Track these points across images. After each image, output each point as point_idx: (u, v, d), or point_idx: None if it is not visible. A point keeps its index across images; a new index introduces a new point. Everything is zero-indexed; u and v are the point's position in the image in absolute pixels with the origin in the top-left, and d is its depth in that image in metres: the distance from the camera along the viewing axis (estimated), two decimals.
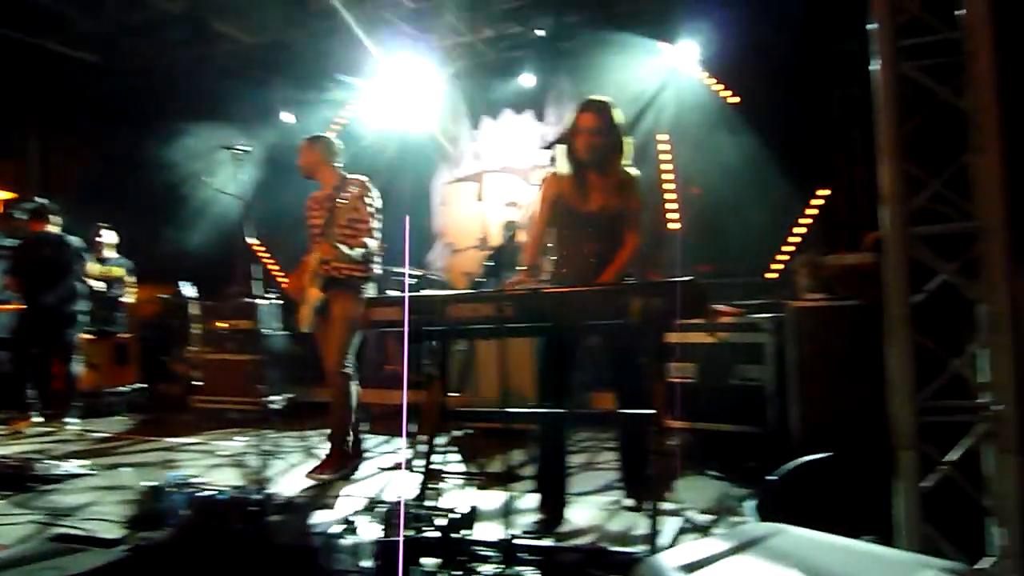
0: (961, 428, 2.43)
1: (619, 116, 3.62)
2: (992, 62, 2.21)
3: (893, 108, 2.36)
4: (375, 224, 4.46)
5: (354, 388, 4.46)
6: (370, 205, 4.45)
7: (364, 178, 4.51)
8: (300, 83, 8.76)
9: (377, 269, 4.55)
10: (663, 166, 7.92)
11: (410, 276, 7.32)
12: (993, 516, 2.36)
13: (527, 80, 8.58)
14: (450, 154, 9.45)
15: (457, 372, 4.02)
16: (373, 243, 4.39)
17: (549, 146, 3.44)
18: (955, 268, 2.40)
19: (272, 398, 6.76)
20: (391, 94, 8.72)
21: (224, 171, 5.12)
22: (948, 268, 2.41)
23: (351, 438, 4.51)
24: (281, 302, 7.35)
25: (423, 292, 3.66)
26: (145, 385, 7.84)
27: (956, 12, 2.41)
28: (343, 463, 4.47)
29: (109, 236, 7.75)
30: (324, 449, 4.59)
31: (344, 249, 4.25)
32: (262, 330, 6.85)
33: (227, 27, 7.67)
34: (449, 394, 3.80)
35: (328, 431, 4.53)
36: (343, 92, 9.05)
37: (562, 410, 3.50)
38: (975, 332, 2.46)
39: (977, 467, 2.43)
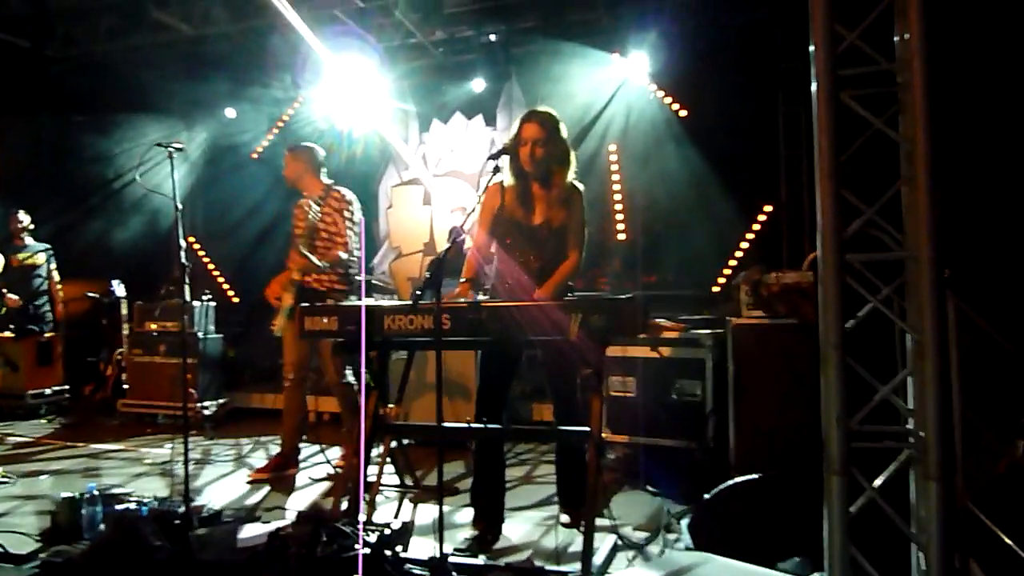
0: (891, 453, 2.49)
1: (563, 129, 3.64)
2: (924, 94, 2.27)
3: (830, 134, 2.41)
4: (352, 238, 4.54)
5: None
6: (348, 219, 4.55)
7: (346, 191, 4.62)
8: (243, 78, 8.59)
9: (356, 280, 4.60)
10: (612, 176, 7.98)
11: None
12: (916, 541, 2.42)
13: (478, 84, 8.56)
14: (398, 157, 9.38)
15: (396, 383, 3.97)
16: (346, 256, 4.48)
17: (494, 156, 3.43)
18: (885, 295, 2.46)
19: (205, 403, 6.62)
20: (338, 93, 8.62)
21: (158, 168, 4.99)
22: (879, 295, 2.46)
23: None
24: (214, 304, 7.21)
25: (361, 301, 3.62)
26: (69, 387, 7.60)
27: (895, 40, 2.47)
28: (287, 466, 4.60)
29: (26, 219, 7.52)
30: (257, 457, 4.54)
31: (312, 259, 4.34)
32: (196, 332, 6.70)
33: (167, 17, 7.47)
34: (387, 406, 3.78)
35: (278, 435, 4.64)
36: (288, 89, 8.92)
37: (499, 426, 3.49)
38: (906, 358, 2.53)
39: (905, 492, 2.49)
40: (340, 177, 5.52)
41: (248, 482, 4.60)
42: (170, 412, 6.67)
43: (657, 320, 5.03)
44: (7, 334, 7.28)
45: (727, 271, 7.20)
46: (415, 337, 3.27)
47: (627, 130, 7.76)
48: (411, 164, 9.32)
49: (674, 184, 7.25)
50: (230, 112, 9.15)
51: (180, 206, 4.12)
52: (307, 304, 3.54)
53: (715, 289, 7.14)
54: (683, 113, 7.51)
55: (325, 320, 3.39)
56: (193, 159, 9.09)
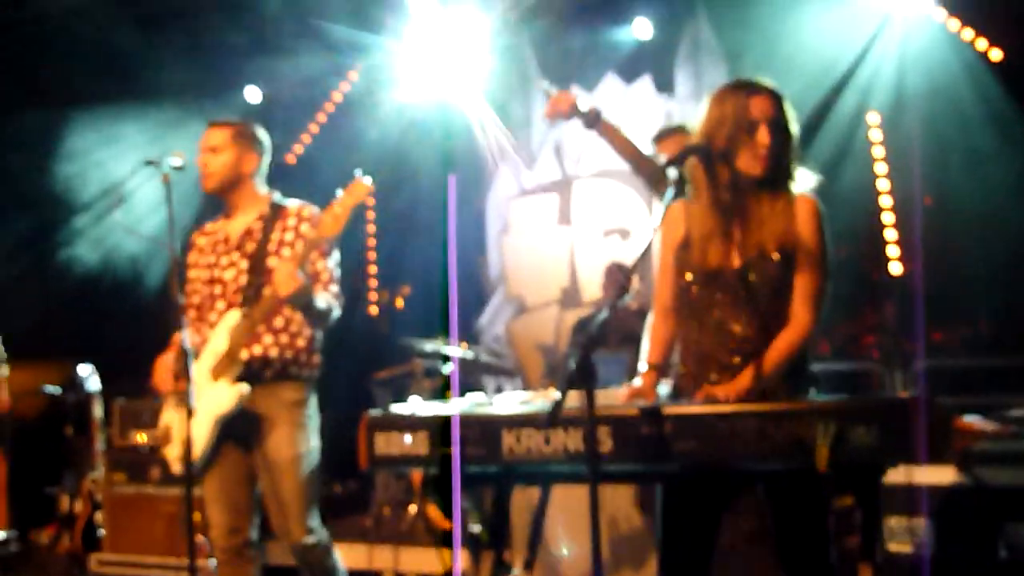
0: None
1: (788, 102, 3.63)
2: None
3: None
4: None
5: (339, 562, 4.52)
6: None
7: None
8: (274, 40, 8.97)
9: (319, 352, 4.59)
10: (875, 168, 7.84)
11: (444, 357, 7.36)
12: None
13: (641, 28, 8.61)
14: (515, 150, 9.52)
15: (525, 535, 3.99)
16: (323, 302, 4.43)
17: (678, 160, 3.42)
18: None
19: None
20: (418, 54, 8.89)
21: (145, 189, 5.23)
22: None
23: None
24: None
25: (462, 406, 3.66)
26: (18, 534, 7.97)
27: None
28: None
29: None
30: None
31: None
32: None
33: None
34: (512, 574, 3.79)
35: None
36: (341, 52, 9.25)
37: None
38: None
39: None
40: (419, 184, 5.57)
41: None
42: (167, 573, 6.88)
43: (963, 418, 4.86)
44: None
45: None
46: (554, 465, 3.25)
47: (899, 91, 7.62)
48: (536, 161, 9.44)
49: (985, 178, 7.05)
50: (252, 93, 9.54)
51: (174, 250, 4.31)
52: (377, 414, 3.59)
53: None
54: (996, 56, 7.32)
55: (409, 439, 3.43)
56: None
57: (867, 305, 7.81)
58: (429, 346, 7.27)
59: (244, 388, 4.25)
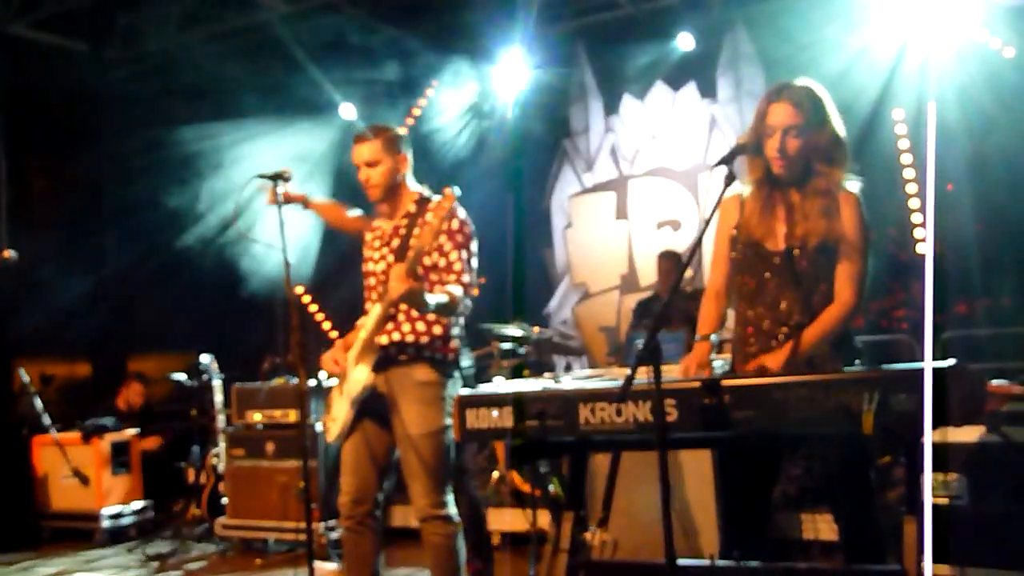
0: None
1: (829, 105, 3.56)
2: None
3: None
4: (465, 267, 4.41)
5: (461, 545, 4.42)
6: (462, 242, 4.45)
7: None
8: (365, 60, 9.04)
9: (459, 340, 4.51)
10: (902, 159, 7.72)
11: (518, 340, 7.36)
12: None
13: (685, 41, 8.55)
14: (575, 152, 9.51)
15: (600, 498, 3.98)
16: (459, 292, 4.32)
17: (726, 160, 3.38)
18: None
19: (331, 523, 6.88)
20: (484, 68, 8.93)
21: (256, 207, 5.27)
22: None
23: None
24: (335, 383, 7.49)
25: (540, 385, 3.66)
26: (153, 503, 8.14)
27: None
28: None
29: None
30: None
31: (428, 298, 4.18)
32: (315, 424, 6.99)
33: None
34: (589, 531, 3.79)
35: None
36: (422, 69, 9.30)
37: (758, 564, 3.40)
38: None
39: None
40: (488, 183, 5.67)
41: None
42: (284, 536, 6.97)
43: (992, 382, 4.76)
44: (72, 434, 7.91)
45: None
46: (624, 434, 3.25)
47: (920, 87, 7.50)
48: (595, 162, 9.41)
49: (1005, 163, 6.95)
50: (347, 110, 9.59)
51: (289, 259, 4.36)
52: (467, 393, 3.60)
53: None
54: (1009, 53, 7.18)
55: (496, 413, 3.44)
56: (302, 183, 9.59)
57: (897, 283, 7.69)
58: (506, 330, 7.26)
59: (369, 376, 4.23)
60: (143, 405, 8.86)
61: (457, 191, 4.03)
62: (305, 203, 4.97)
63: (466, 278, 4.26)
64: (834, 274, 3.51)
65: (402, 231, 4.38)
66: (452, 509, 4.28)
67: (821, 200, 3.52)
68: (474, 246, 4.36)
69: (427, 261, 4.21)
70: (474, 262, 4.35)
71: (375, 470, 4.40)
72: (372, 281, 4.45)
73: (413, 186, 4.50)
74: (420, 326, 4.28)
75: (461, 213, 4.31)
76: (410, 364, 4.29)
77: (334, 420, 4.35)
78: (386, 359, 4.28)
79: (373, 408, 4.29)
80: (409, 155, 4.45)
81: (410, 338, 4.28)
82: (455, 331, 4.40)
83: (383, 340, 4.27)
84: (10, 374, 8.18)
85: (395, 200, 4.45)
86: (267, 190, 4.81)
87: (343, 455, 4.43)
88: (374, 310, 4.28)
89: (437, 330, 4.30)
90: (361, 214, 4.68)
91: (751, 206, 3.61)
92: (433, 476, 4.23)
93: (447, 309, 4.17)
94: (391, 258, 4.35)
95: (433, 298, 4.05)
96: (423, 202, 4.41)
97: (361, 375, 4.24)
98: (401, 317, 4.28)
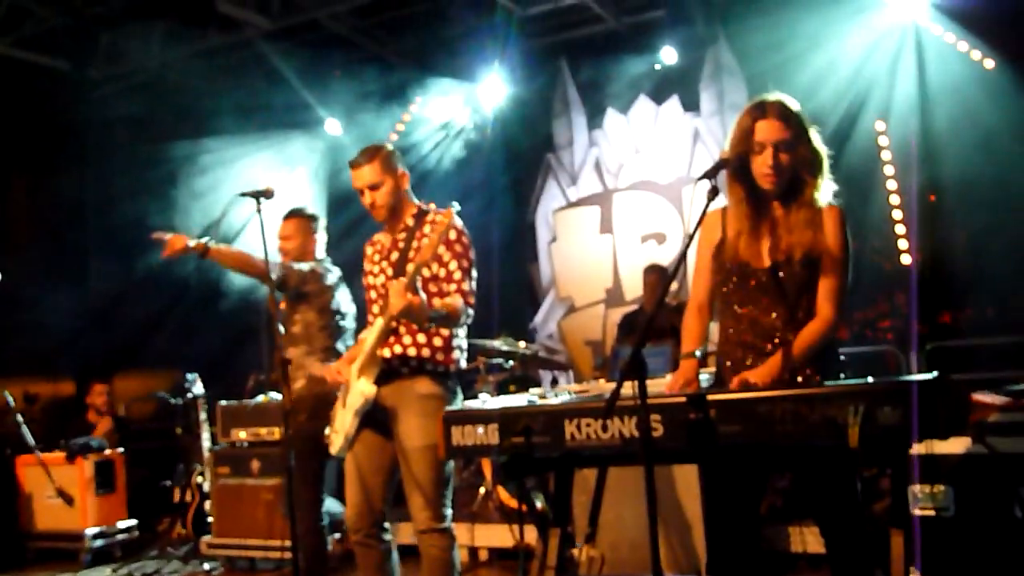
0: None
1: (806, 120, 3.57)
2: None
3: None
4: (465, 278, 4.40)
5: (457, 559, 4.41)
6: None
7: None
8: (349, 76, 9.05)
9: (460, 351, 4.49)
10: (884, 170, 7.75)
11: (504, 355, 7.34)
12: None
13: (668, 55, 8.57)
14: (560, 166, 9.52)
15: (587, 513, 3.97)
16: (459, 303, 4.32)
17: (709, 174, 3.38)
18: None
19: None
20: (467, 84, 8.94)
21: (239, 219, 5.24)
22: None
23: None
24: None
25: (525, 398, 3.65)
26: (136, 522, 8.09)
27: None
28: None
29: None
30: None
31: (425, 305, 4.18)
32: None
33: (239, 9, 8.00)
34: (576, 547, 3.78)
35: None
36: (405, 85, 9.31)
37: None
38: None
39: None
40: (473, 198, 5.63)
41: None
42: (270, 554, 6.93)
43: (975, 394, 4.76)
44: (56, 454, 7.86)
45: None
46: (610, 450, 3.23)
47: (898, 100, 7.54)
48: (579, 176, 9.42)
49: (984, 175, 7.00)
50: (332, 126, 9.60)
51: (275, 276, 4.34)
52: (452, 409, 3.58)
53: None
54: (989, 65, 7.22)
55: (481, 430, 3.43)
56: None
57: (881, 293, 7.71)
58: (491, 345, 7.25)
59: (372, 390, 4.22)
60: (107, 404, 8.81)
61: (457, 207, 4.06)
62: (204, 252, 4.98)
63: (466, 287, 4.27)
64: (816, 287, 3.51)
65: (401, 244, 4.40)
66: (450, 523, 4.27)
67: (806, 211, 3.52)
68: (472, 255, 4.36)
69: (426, 272, 4.21)
70: (473, 271, 4.35)
71: (381, 481, 4.40)
72: (373, 295, 4.47)
73: (413, 200, 4.52)
74: (421, 338, 4.30)
75: (459, 223, 4.30)
76: (412, 377, 4.30)
77: (337, 432, 4.36)
78: (388, 372, 4.29)
79: (376, 420, 4.29)
80: (406, 169, 4.47)
81: (412, 351, 4.30)
82: (456, 342, 4.40)
83: (385, 353, 4.28)
84: None
85: (396, 215, 4.47)
86: (165, 243, 4.93)
87: (347, 468, 4.44)
88: (376, 323, 4.29)
89: (438, 342, 4.31)
90: (266, 257, 4.66)
91: (735, 226, 3.59)
92: (433, 489, 4.22)
93: (448, 321, 4.19)
94: (390, 271, 4.37)
95: (433, 312, 4.08)
96: (421, 215, 4.44)
97: (364, 387, 4.22)
98: (403, 330, 4.29)
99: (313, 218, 5.57)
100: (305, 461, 5.17)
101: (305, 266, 5.31)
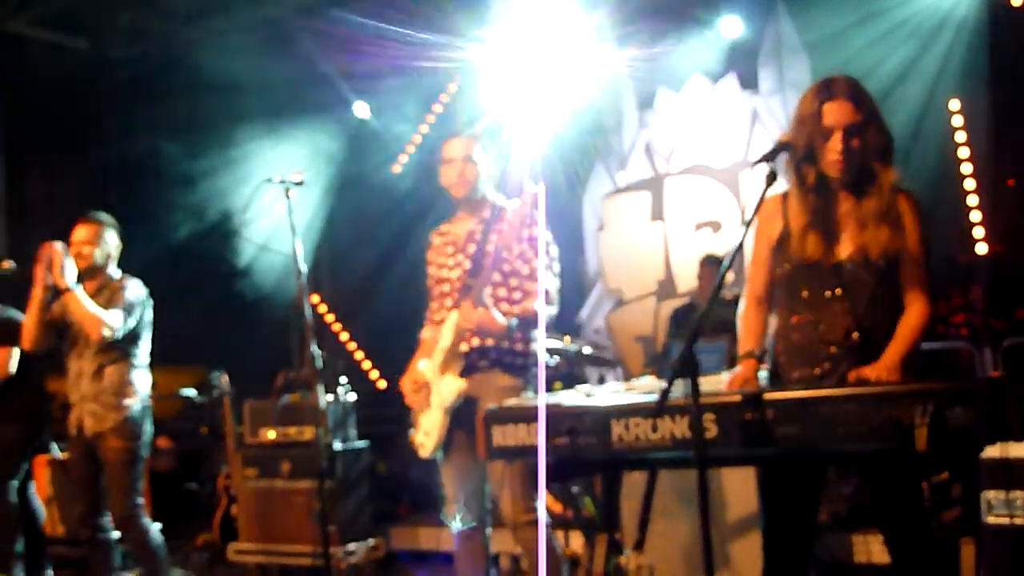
0: None
1: (875, 100, 3.57)
2: None
3: None
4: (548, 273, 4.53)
5: (557, 544, 4.55)
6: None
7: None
8: (381, 56, 9.07)
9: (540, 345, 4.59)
10: (959, 153, 7.69)
11: (549, 351, 7.35)
12: None
13: (729, 27, 8.52)
14: (607, 149, 9.51)
15: (636, 519, 3.99)
16: (540, 305, 4.46)
17: (768, 156, 3.40)
18: None
19: (349, 547, 6.90)
20: (512, 62, 8.92)
21: (267, 210, 5.31)
22: None
23: None
24: (353, 395, 7.50)
25: (568, 397, 3.68)
26: (162, 526, 8.18)
27: None
28: None
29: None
30: None
31: (498, 316, 4.32)
32: (331, 442, 7.02)
33: None
34: (624, 555, 3.81)
35: None
36: (443, 64, 9.32)
37: None
38: None
39: None
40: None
41: None
42: (300, 561, 6.99)
43: None
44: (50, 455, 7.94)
45: None
46: (660, 452, 3.26)
47: (976, 73, 7.46)
48: (629, 160, 9.42)
49: None
50: (361, 109, 9.64)
51: (303, 267, 4.40)
52: (495, 407, 3.62)
53: None
54: None
55: (526, 429, 3.46)
56: (315, 190, 9.62)
57: (955, 286, 7.65)
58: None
59: (462, 383, 4.37)
60: None
61: (539, 188, 4.18)
62: (63, 292, 5.21)
63: (548, 283, 4.47)
64: (897, 282, 3.51)
65: (477, 236, 4.53)
66: (542, 512, 4.39)
67: (877, 202, 3.51)
68: (554, 251, 4.57)
69: (506, 268, 4.42)
70: (555, 266, 4.55)
71: (478, 479, 4.58)
72: (446, 288, 4.61)
73: (491, 191, 4.66)
74: None
75: (535, 214, 4.43)
76: (491, 370, 4.46)
77: (427, 434, 4.48)
78: (469, 366, 4.45)
79: (465, 415, 4.40)
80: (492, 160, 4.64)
81: (490, 342, 4.45)
82: (535, 332, 4.55)
83: (464, 347, 4.43)
84: None
85: (475, 203, 4.62)
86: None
87: (444, 469, 4.61)
88: (450, 318, 4.42)
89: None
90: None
91: (799, 218, 3.59)
92: (520, 482, 4.37)
93: (526, 325, 4.42)
94: (467, 264, 4.52)
95: (510, 320, 4.33)
96: (499, 209, 4.56)
97: (452, 384, 4.39)
98: None
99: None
100: None
101: None
